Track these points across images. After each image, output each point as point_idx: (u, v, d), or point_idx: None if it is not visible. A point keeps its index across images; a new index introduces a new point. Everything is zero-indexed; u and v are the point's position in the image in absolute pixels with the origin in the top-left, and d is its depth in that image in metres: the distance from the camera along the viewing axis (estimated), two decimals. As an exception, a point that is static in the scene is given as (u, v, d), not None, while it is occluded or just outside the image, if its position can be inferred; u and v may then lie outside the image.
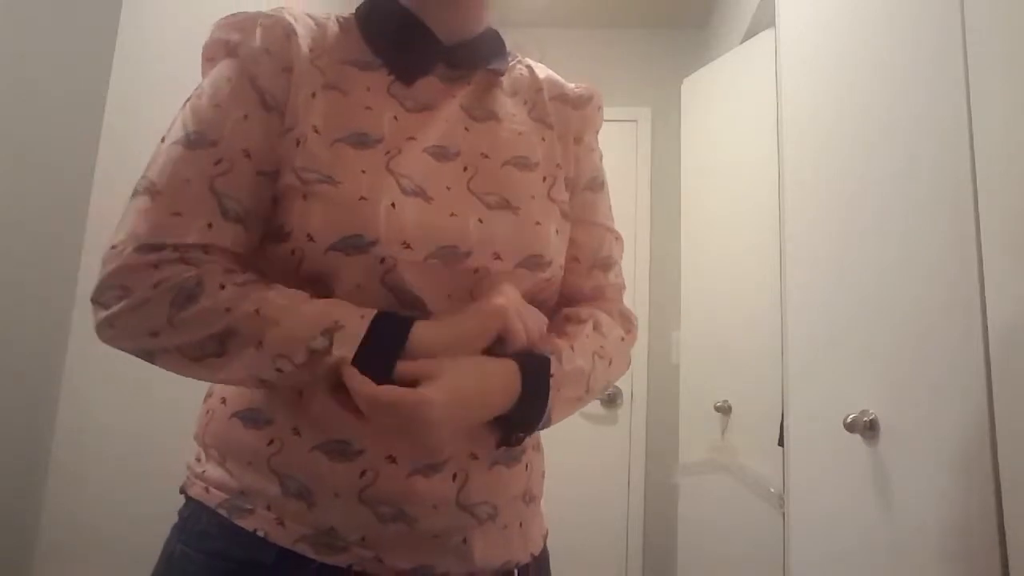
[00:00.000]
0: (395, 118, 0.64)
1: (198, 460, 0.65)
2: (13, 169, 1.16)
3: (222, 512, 0.60)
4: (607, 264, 0.77)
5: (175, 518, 0.64)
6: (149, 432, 1.30)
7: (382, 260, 0.58)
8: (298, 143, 0.60)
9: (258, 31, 0.62)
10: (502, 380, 0.58)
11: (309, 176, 0.59)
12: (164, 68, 1.34)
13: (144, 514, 1.26)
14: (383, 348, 0.54)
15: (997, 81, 0.78)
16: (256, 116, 0.60)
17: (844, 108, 1.22)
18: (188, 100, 0.63)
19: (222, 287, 0.55)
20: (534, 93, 0.76)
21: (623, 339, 0.74)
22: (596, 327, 0.70)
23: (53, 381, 1.12)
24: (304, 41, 0.64)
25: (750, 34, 2.13)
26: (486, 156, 0.67)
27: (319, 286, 0.59)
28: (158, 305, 0.54)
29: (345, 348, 0.53)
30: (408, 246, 0.59)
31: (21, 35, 1.19)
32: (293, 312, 0.55)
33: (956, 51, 0.85)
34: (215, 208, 0.58)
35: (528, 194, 0.67)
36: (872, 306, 1.07)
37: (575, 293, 0.75)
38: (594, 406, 2.70)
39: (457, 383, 0.55)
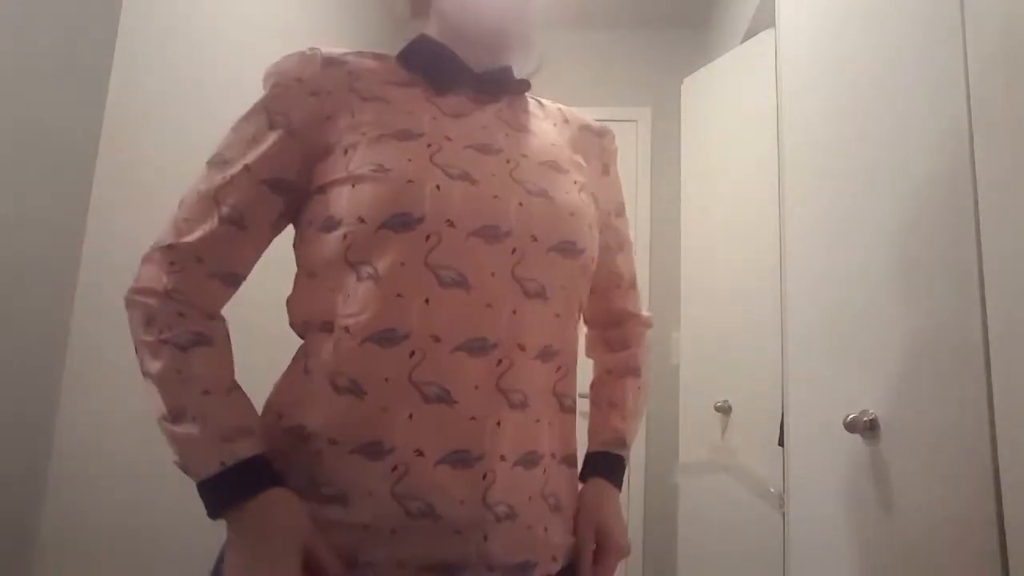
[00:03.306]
0: (434, 118, 0.71)
1: None
2: (13, 168, 1.16)
3: None
4: (635, 279, 0.93)
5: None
6: (149, 433, 1.29)
7: (427, 237, 0.64)
8: (346, 152, 0.68)
9: (294, 65, 0.72)
10: (618, 497, 0.80)
11: (360, 169, 0.66)
12: (164, 68, 1.34)
13: (144, 515, 1.26)
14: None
15: (997, 82, 0.78)
16: (264, 136, 0.69)
17: (844, 107, 1.22)
18: None
19: (159, 335, 0.65)
20: (560, 121, 0.85)
21: (650, 358, 0.92)
22: (637, 374, 0.88)
23: (53, 381, 1.12)
24: (342, 67, 0.72)
25: (750, 34, 2.13)
26: (525, 156, 0.73)
27: (366, 267, 0.64)
28: (132, 311, 0.67)
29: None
30: (452, 224, 0.65)
31: (21, 34, 1.19)
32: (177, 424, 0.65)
33: (956, 51, 0.86)
34: (215, 213, 0.68)
35: (563, 190, 0.73)
36: (872, 306, 1.07)
37: (620, 312, 0.91)
38: (594, 406, 2.70)
39: (619, 523, 0.77)
